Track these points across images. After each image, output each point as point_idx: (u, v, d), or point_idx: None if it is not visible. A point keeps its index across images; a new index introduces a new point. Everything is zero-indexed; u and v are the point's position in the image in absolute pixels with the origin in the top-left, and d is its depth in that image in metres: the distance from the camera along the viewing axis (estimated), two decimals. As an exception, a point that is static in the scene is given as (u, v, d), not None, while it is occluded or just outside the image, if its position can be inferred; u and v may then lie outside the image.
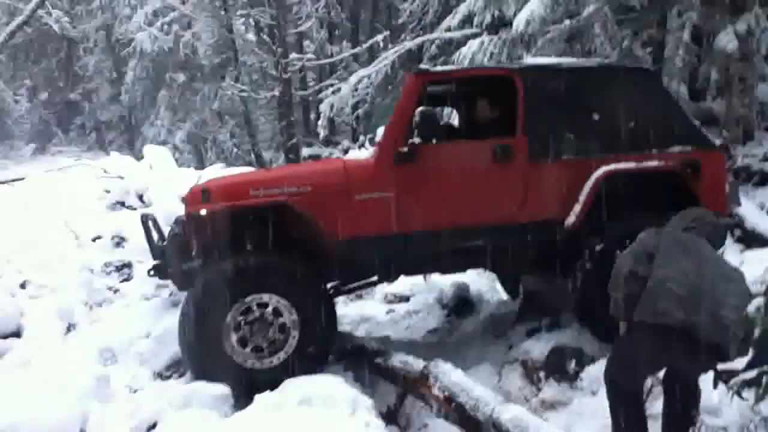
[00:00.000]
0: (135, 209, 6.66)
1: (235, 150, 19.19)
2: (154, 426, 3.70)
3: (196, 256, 4.36)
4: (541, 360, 4.48)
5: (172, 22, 19.99)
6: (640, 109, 4.66)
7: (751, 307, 2.81)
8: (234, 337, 4.14)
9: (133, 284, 5.49)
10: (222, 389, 3.93)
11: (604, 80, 4.78)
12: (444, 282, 6.36)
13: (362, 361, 4.46)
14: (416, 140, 4.41)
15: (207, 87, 20.15)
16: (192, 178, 7.02)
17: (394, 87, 10.45)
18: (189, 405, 3.80)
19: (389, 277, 4.96)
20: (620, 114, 4.62)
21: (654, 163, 4.53)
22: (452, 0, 11.48)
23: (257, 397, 3.76)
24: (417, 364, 3.94)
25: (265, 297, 4.17)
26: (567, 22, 8.92)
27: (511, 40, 9.22)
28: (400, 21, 14.12)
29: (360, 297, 6.57)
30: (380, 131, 4.65)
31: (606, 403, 3.77)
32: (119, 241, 6.05)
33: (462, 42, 10.13)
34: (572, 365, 4.32)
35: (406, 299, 6.66)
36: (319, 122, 12.71)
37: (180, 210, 4.86)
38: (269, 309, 4.17)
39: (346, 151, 4.95)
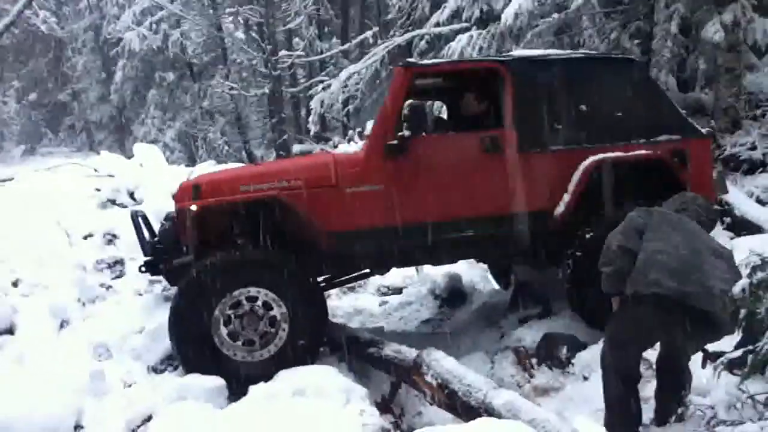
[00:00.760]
0: (126, 207, 6.65)
1: (226, 148, 19.18)
2: (149, 419, 3.71)
3: (187, 252, 4.37)
4: (533, 347, 4.53)
5: (160, 21, 19.97)
6: (627, 99, 4.71)
7: (737, 289, 2.85)
8: (224, 331, 4.16)
9: (126, 281, 5.48)
10: (216, 381, 3.94)
11: (591, 71, 4.81)
12: (436, 273, 6.40)
13: (356, 351, 4.48)
14: (405, 133, 4.42)
15: (197, 85, 20.14)
16: (183, 175, 7.01)
17: (383, 82, 10.49)
18: (183, 398, 3.82)
19: (381, 269, 5.00)
20: (608, 104, 4.68)
21: (641, 152, 4.57)
22: (441, -5, 11.50)
23: (251, 389, 3.78)
24: (410, 353, 3.96)
25: (254, 291, 4.18)
26: (555, 15, 8.97)
27: (500, 34, 9.26)
28: (390, 17, 14.12)
29: (353, 289, 6.60)
30: (369, 125, 4.68)
31: (597, 388, 3.82)
32: (111, 239, 6.04)
33: (451, 37, 10.18)
34: (564, 352, 4.36)
35: (399, 291, 6.70)
36: (310, 119, 12.72)
37: (171, 207, 4.87)
38: (259, 302, 4.19)
39: (335, 147, 4.95)
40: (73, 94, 27.30)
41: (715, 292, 3.00)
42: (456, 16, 10.58)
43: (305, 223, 4.35)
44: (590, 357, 4.23)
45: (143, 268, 4.73)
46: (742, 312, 2.88)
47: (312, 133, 13.94)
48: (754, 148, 7.56)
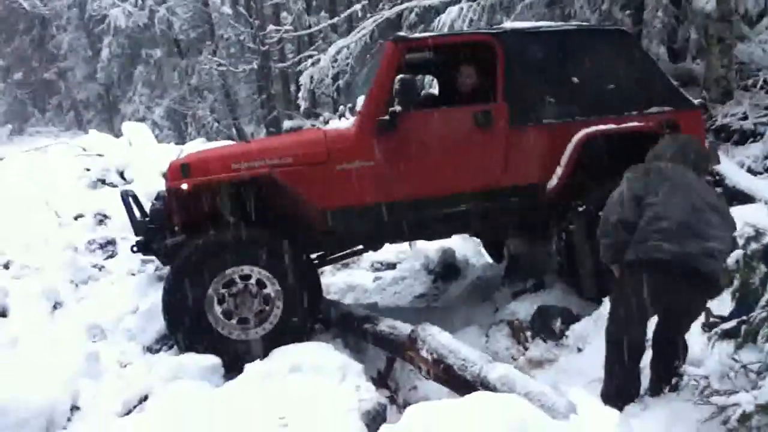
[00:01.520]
0: (116, 186, 6.61)
1: (215, 125, 19.05)
2: (145, 399, 3.71)
3: (179, 231, 4.34)
4: (527, 320, 4.55)
5: (145, -3, 19.67)
6: (618, 71, 4.68)
7: (731, 260, 2.86)
8: (218, 310, 4.16)
9: (118, 261, 5.46)
10: (212, 360, 3.95)
11: (582, 43, 4.77)
12: (430, 248, 6.40)
13: (351, 327, 4.49)
14: (396, 108, 4.38)
15: (184, 62, 19.92)
16: (173, 153, 6.95)
17: (371, 56, 10.37)
18: (179, 377, 3.82)
19: (374, 246, 4.99)
20: (599, 77, 4.65)
21: (633, 125, 4.55)
22: (431, -34, 11.34)
23: (247, 367, 3.78)
24: (405, 328, 3.97)
25: (247, 269, 4.17)
26: (546, -15, 8.88)
27: (491, 6, 9.18)
28: (378, -11, 13.94)
29: (347, 266, 6.60)
30: (360, 101, 4.63)
31: (591, 359, 3.86)
32: (102, 219, 6.00)
33: (441, 9, 10.06)
34: (558, 324, 4.39)
35: (393, 266, 6.70)
36: (300, 94, 12.60)
37: (161, 185, 4.83)
38: (252, 281, 4.19)
39: (326, 122, 4.89)
40: (59, 72, 26.95)
41: (715, 252, 3.01)
42: (446, -13, 10.45)
43: (297, 201, 4.33)
44: (584, 329, 4.26)
45: (135, 248, 4.70)
46: (736, 282, 2.89)
47: (302, 108, 13.83)
48: (745, 118, 7.56)
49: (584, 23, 7.80)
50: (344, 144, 4.43)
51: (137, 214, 4.74)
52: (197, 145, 7.73)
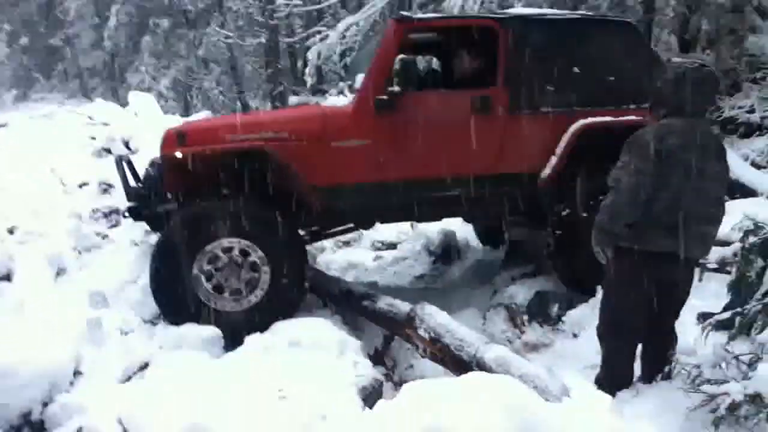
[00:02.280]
0: (133, 163, 6.62)
1: (221, 98, 18.98)
2: (145, 367, 3.76)
3: (171, 199, 4.37)
4: (525, 304, 4.60)
5: (154, -35, 19.48)
6: (621, 63, 4.67)
7: (728, 251, 2.89)
8: (205, 281, 4.21)
9: (122, 230, 5.49)
10: (212, 331, 4.00)
11: (587, 33, 4.74)
12: (431, 229, 6.44)
13: (350, 304, 4.54)
14: (395, 89, 4.37)
15: (192, 33, 19.78)
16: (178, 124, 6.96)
17: (376, 34, 10.31)
18: (180, 347, 3.88)
19: (365, 224, 5.00)
20: (601, 68, 4.64)
21: (632, 118, 4.54)
22: (443, -55, 11.24)
23: (247, 340, 3.84)
24: (403, 306, 4.02)
25: (232, 241, 4.21)
26: (559, -30, 8.81)
27: (503, -11, 9.11)
28: (390, -34, 13.80)
29: (348, 244, 6.66)
30: (359, 78, 4.61)
31: (587, 345, 3.92)
32: (106, 188, 6.02)
33: (453, -11, 9.97)
34: (555, 309, 4.45)
35: (394, 246, 6.75)
36: (306, 70, 12.53)
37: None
38: (236, 252, 4.23)
39: (326, 99, 4.89)
40: (65, 38, 26.78)
41: (709, 237, 3.03)
42: (458, -33, 10.36)
43: (290, 176, 4.33)
44: (580, 315, 4.31)
45: (126, 214, 4.71)
46: (733, 274, 2.93)
47: (308, 85, 13.74)
48: (752, 111, 7.55)
49: (590, 12, 7.76)
50: (341, 121, 4.43)
51: (131, 179, 4.74)
52: (202, 118, 7.73)
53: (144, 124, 7.39)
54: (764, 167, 6.91)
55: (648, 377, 3.25)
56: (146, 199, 4.56)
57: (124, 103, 8.97)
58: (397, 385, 3.89)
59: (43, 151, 6.66)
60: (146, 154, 6.10)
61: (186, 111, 16.77)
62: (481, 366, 3.24)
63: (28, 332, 3.33)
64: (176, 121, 7.78)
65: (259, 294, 4.27)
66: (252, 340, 3.84)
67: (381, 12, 11.37)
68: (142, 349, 3.98)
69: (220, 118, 5.86)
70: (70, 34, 26.33)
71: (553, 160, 4.52)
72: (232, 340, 3.96)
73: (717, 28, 8.33)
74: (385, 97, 4.35)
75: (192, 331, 3.99)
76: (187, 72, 19.96)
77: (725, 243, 4.16)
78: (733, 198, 6.11)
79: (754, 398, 2.54)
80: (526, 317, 4.50)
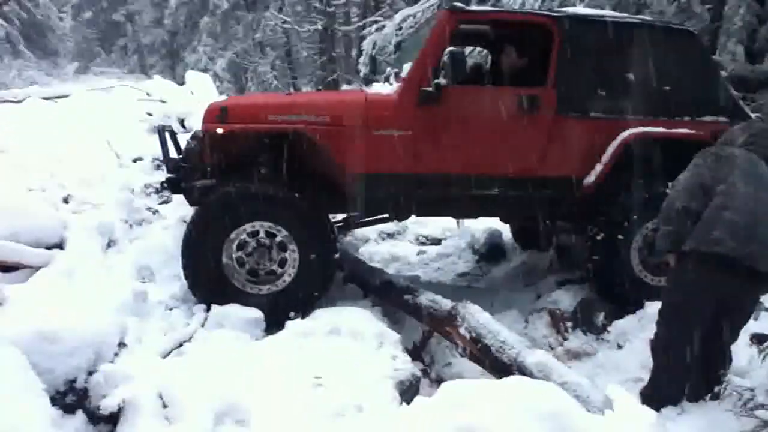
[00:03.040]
0: (176, 134, 6.72)
1: (274, 82, 19.15)
2: (188, 342, 3.81)
3: (210, 174, 4.37)
4: (569, 311, 4.51)
5: (218, -53, 19.72)
6: (677, 73, 4.51)
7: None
8: (236, 264, 4.24)
9: (172, 207, 5.57)
10: (254, 313, 4.03)
11: (644, 39, 4.56)
12: (477, 227, 6.37)
13: (391, 297, 4.52)
14: (442, 81, 4.29)
15: (250, 16, 19.98)
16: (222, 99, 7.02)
17: (426, 22, 10.21)
18: (222, 326, 3.92)
19: (399, 215, 4.91)
20: (656, 76, 4.47)
21: (684, 131, 4.40)
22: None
23: (288, 324, 3.86)
24: (445, 303, 3.98)
25: (265, 224, 4.21)
26: (624, -28, 8.59)
27: (566, -13, 8.92)
28: (452, -41, 13.66)
29: (392, 236, 6.64)
30: (406, 67, 4.54)
31: (631, 357, 3.83)
32: (159, 164, 6.12)
33: (515, -15, 9.82)
34: (600, 318, 4.34)
35: (438, 242, 6.70)
36: (361, 59, 12.57)
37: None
38: (263, 236, 4.23)
39: (370, 85, 4.75)
40: (127, 14, 27.38)
41: None
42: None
43: (328, 161, 4.30)
44: (626, 326, 4.21)
45: (164, 185, 4.73)
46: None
47: (362, 74, 13.77)
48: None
49: (652, 18, 7.54)
50: (384, 110, 4.37)
51: (173, 151, 4.75)
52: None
53: (200, 104, 7.47)
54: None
55: (696, 395, 3.14)
56: (186, 172, 4.57)
57: (180, 82, 9.11)
58: (435, 382, 3.87)
59: (101, 124, 6.81)
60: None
61: (241, 93, 16.95)
62: (522, 370, 3.18)
63: (77, 300, 3.40)
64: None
65: (290, 274, 4.26)
66: (292, 325, 3.86)
67: (439, 3, 11.27)
68: (185, 325, 4.04)
69: (264, 95, 5.85)
70: (132, 11, 26.90)
71: (598, 167, 4.40)
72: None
73: (787, 39, 8.03)
74: (430, 88, 4.28)
75: (234, 311, 4.03)
76: (243, 54, 20.18)
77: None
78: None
79: (810, 428, 2.44)
80: (569, 324, 4.41)
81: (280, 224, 4.22)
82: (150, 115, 7.16)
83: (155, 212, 5.43)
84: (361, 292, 4.89)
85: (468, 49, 7.53)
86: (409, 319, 4.39)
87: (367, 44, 11.77)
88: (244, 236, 4.24)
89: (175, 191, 4.81)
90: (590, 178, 4.43)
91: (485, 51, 6.23)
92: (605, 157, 4.39)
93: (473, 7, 4.54)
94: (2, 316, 2.94)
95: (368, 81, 15.98)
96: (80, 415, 2.73)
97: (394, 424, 2.61)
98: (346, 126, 4.32)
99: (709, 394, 3.07)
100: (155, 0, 25.65)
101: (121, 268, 4.49)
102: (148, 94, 7.96)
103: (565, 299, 4.63)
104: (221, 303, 4.14)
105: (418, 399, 2.81)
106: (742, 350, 3.26)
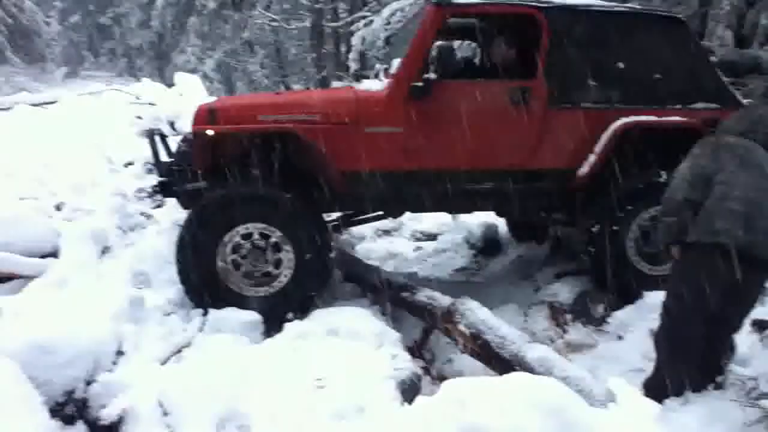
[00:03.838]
0: (167, 137, 6.69)
1: (264, 81, 19.09)
2: (186, 348, 3.78)
3: (201, 176, 4.33)
4: (568, 303, 4.51)
5: (203, -54, 19.61)
6: (667, 61, 4.48)
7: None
8: (230, 264, 4.20)
9: (165, 210, 5.54)
10: (252, 316, 4.00)
11: (633, 27, 4.53)
12: (473, 222, 6.35)
13: (389, 295, 4.50)
14: (432, 76, 4.26)
15: (237, 15, 19.89)
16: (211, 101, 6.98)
17: (414, 16, 10.18)
18: (220, 330, 3.89)
19: (393, 213, 4.89)
20: (646, 64, 4.45)
21: (676, 119, 4.38)
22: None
23: (286, 326, 3.84)
24: (444, 300, 3.96)
25: (259, 226, 4.18)
26: (613, -41, 8.56)
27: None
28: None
29: (388, 233, 6.61)
30: (395, 63, 4.52)
31: (631, 348, 3.82)
32: (151, 168, 6.08)
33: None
34: (599, 309, 4.33)
35: (434, 237, 6.68)
36: (350, 55, 12.53)
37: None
38: (257, 237, 4.19)
39: (360, 81, 4.72)
40: (114, 17, 27.23)
41: None
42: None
43: (320, 160, 4.27)
44: (626, 316, 4.21)
45: (156, 189, 4.70)
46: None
47: (352, 70, 13.72)
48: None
49: (639, 6, 7.51)
50: (374, 107, 4.33)
51: (163, 154, 4.71)
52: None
53: (189, 106, 7.43)
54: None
55: (699, 386, 3.13)
56: (177, 175, 4.53)
57: (169, 84, 9.07)
58: (436, 379, 3.85)
59: (91, 129, 6.77)
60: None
61: (230, 93, 16.89)
62: (523, 365, 3.17)
63: (72, 309, 3.36)
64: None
65: (286, 275, 4.22)
66: (290, 327, 3.84)
67: (428, -2, 11.23)
68: (183, 330, 4.01)
69: (253, 95, 5.80)
70: (119, 13, 26.77)
71: (591, 158, 4.38)
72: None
73: (776, 23, 8.03)
74: (420, 83, 4.25)
75: (232, 315, 4.00)
76: (232, 54, 20.10)
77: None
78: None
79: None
80: (569, 316, 4.40)
81: (273, 225, 4.18)
82: (140, 118, 7.13)
83: (149, 217, 5.40)
84: (359, 290, 4.87)
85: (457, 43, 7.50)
86: (409, 316, 4.37)
87: (356, 40, 11.75)
88: (237, 238, 4.20)
89: (167, 195, 4.78)
90: (583, 169, 4.41)
91: (474, 44, 6.19)
92: (597, 147, 4.37)
93: (460, 0, 4.50)
94: (-3, 329, 2.90)
95: (358, 77, 15.94)
96: (80, 426, 2.72)
97: (396, 425, 2.59)
98: (337, 124, 4.28)
99: (712, 384, 3.06)
100: (142, 1, 25.53)
101: (116, 275, 4.45)
102: (137, 98, 7.93)
103: (564, 291, 4.62)
104: (217, 307, 4.11)
105: (419, 398, 2.80)
106: (743, 338, 3.25)
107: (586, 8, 4.57)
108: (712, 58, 7.29)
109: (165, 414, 2.85)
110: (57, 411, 2.67)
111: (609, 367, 3.76)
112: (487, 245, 6.19)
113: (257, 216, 4.17)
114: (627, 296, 4.37)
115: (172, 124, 7.13)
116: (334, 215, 4.96)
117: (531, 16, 4.44)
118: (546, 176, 4.47)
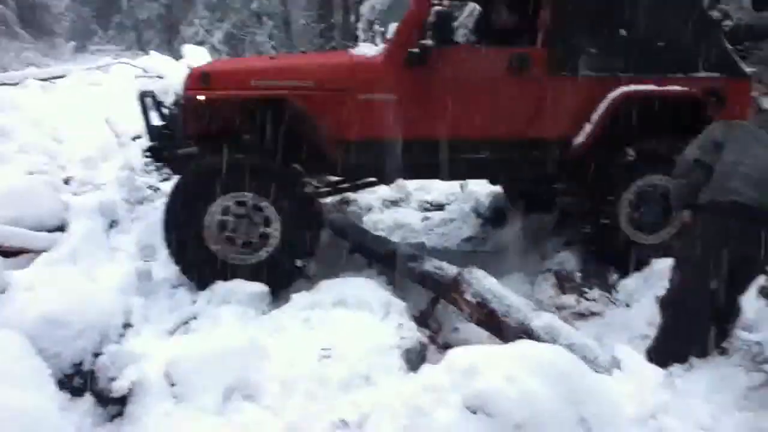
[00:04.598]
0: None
1: (273, 52, 18.95)
2: (194, 320, 3.82)
3: (192, 142, 4.28)
4: (574, 271, 4.49)
5: None
6: (670, 28, 4.38)
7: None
8: (216, 229, 4.14)
9: (173, 183, 5.55)
10: (260, 287, 4.02)
11: None
12: (480, 191, 6.32)
13: (396, 265, 4.50)
14: (429, 42, 4.17)
15: (245, -14, 19.71)
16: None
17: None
18: (228, 301, 3.92)
19: (388, 180, 4.86)
20: (649, 33, 4.35)
21: (676, 89, 4.30)
22: None
23: (293, 297, 3.85)
24: (451, 269, 3.96)
25: (234, 195, 4.12)
26: None
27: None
28: None
29: (395, 203, 6.59)
30: (392, 27, 4.44)
31: (638, 315, 3.81)
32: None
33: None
34: (613, 277, 4.33)
35: (442, 207, 6.65)
36: (359, 24, 12.40)
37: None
38: (249, 205, 4.14)
39: (356, 46, 4.59)
40: (122, -10, 27.05)
41: None
42: None
43: (314, 127, 4.22)
44: (633, 284, 4.19)
45: (147, 153, 4.63)
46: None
47: (361, 40, 13.60)
48: (828, 73, 7.09)
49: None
50: (370, 73, 4.26)
51: (156, 118, 4.64)
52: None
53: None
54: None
55: (704, 351, 3.12)
56: (169, 140, 4.47)
57: (178, 56, 9.03)
58: (442, 348, 3.86)
59: (99, 103, 6.77)
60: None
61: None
62: (529, 333, 3.18)
63: (80, 283, 3.39)
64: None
65: (273, 244, 4.19)
66: (298, 297, 3.85)
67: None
68: (191, 302, 4.04)
69: (248, 59, 5.70)
70: (126, -14, 26.57)
71: (588, 127, 4.31)
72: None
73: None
74: (416, 50, 4.16)
75: (239, 286, 4.02)
76: (240, 25, 19.96)
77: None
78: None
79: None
80: (575, 284, 4.39)
81: (261, 194, 4.12)
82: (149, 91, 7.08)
83: (156, 190, 5.42)
84: (365, 261, 4.87)
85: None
86: (415, 286, 4.37)
87: (365, 9, 11.62)
88: (226, 206, 4.14)
89: (157, 160, 4.71)
90: (581, 138, 4.35)
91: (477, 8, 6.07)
92: (595, 116, 4.30)
93: None
94: (6, 303, 2.94)
95: (367, 47, 15.80)
96: (88, 398, 2.75)
97: (402, 393, 2.61)
98: (332, 91, 4.22)
99: (718, 350, 3.06)
100: (149, -27, 25.34)
101: (124, 248, 4.49)
102: (145, 71, 7.90)
103: (571, 260, 4.60)
104: (203, 274, 4.10)
105: (425, 367, 2.82)
106: (750, 303, 3.23)
107: None
108: (728, 22, 7.14)
109: (172, 384, 2.88)
110: (65, 383, 2.71)
111: (615, 335, 3.76)
112: (495, 215, 6.14)
113: (246, 184, 4.10)
114: (621, 266, 4.37)
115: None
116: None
117: None
118: (544, 145, 4.41)
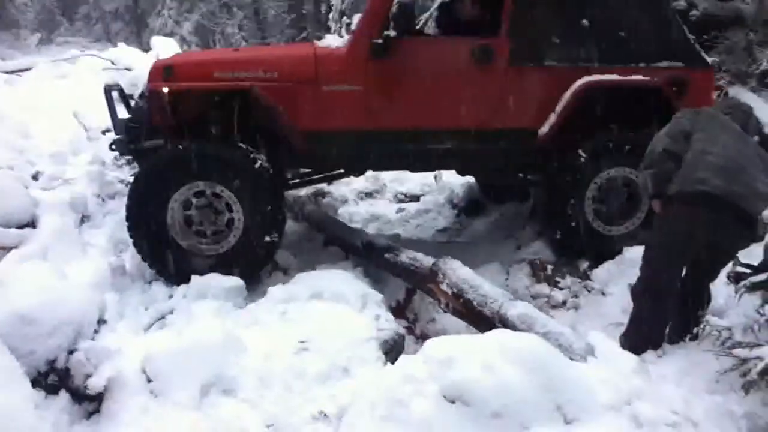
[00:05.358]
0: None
1: (243, 43, 18.75)
2: (169, 315, 3.79)
3: (157, 134, 4.28)
4: (550, 260, 4.54)
5: None
6: (633, 18, 4.42)
7: (766, 212, 2.80)
8: (181, 224, 4.16)
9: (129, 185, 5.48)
10: (236, 282, 4.00)
11: None
12: (455, 182, 6.35)
13: (372, 257, 4.51)
14: (391, 33, 4.18)
15: (214, -24, 19.46)
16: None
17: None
18: (204, 296, 3.89)
19: (355, 171, 4.88)
20: (612, 23, 4.40)
21: (638, 78, 4.35)
22: None
23: (270, 290, 3.83)
24: (426, 260, 3.98)
25: (206, 185, 4.13)
26: None
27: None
28: None
29: (370, 195, 6.61)
30: (357, 18, 4.44)
31: (613, 303, 3.87)
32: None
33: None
34: (585, 265, 4.38)
35: (417, 198, 6.68)
36: (330, 15, 12.32)
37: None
38: (207, 193, 4.14)
39: (320, 39, 4.58)
40: (88, -20, 26.52)
41: (761, 194, 2.98)
42: None
43: (278, 119, 4.22)
44: (606, 272, 4.25)
45: (112, 147, 4.60)
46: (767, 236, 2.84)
47: (332, 30, 13.51)
48: (793, 63, 7.23)
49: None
50: (334, 64, 4.27)
51: (121, 111, 4.62)
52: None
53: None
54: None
55: (676, 338, 3.20)
56: (135, 133, 4.44)
57: (146, 48, 8.89)
58: (419, 338, 3.89)
59: (66, 96, 6.64)
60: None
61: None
62: (505, 322, 3.21)
63: (52, 279, 3.33)
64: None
65: (236, 235, 4.18)
66: (274, 291, 3.84)
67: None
68: (166, 297, 4.01)
69: (211, 51, 5.67)
70: (92, -24, 26.07)
71: (552, 117, 4.34)
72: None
73: (760, -26, 7.94)
74: (380, 41, 4.17)
75: (215, 280, 3.99)
76: (209, 16, 19.70)
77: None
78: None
79: (788, 363, 2.48)
80: (550, 273, 4.44)
81: (224, 184, 4.12)
82: (117, 84, 6.97)
83: (128, 184, 5.32)
84: (342, 253, 4.88)
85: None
86: (392, 277, 4.39)
87: (336, 0, 11.53)
88: (187, 200, 4.14)
89: (122, 153, 4.70)
90: (544, 129, 4.37)
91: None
92: (559, 107, 4.33)
93: None
94: (-25, 301, 2.88)
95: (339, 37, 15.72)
96: (64, 395, 2.71)
97: (379, 385, 2.62)
98: (296, 82, 4.23)
99: (689, 335, 3.12)
100: (115, -36, 24.89)
101: (96, 244, 4.42)
102: (112, 63, 7.77)
103: (545, 249, 4.66)
104: (165, 266, 4.13)
105: (402, 358, 2.83)
106: (719, 289, 3.31)
107: None
108: (694, 12, 7.23)
109: (149, 380, 2.86)
110: (39, 381, 2.67)
111: (590, 322, 3.82)
112: (470, 205, 6.19)
113: (209, 175, 4.10)
114: (588, 257, 4.44)
115: (149, 90, 6.99)
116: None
117: None
118: (508, 136, 4.44)
